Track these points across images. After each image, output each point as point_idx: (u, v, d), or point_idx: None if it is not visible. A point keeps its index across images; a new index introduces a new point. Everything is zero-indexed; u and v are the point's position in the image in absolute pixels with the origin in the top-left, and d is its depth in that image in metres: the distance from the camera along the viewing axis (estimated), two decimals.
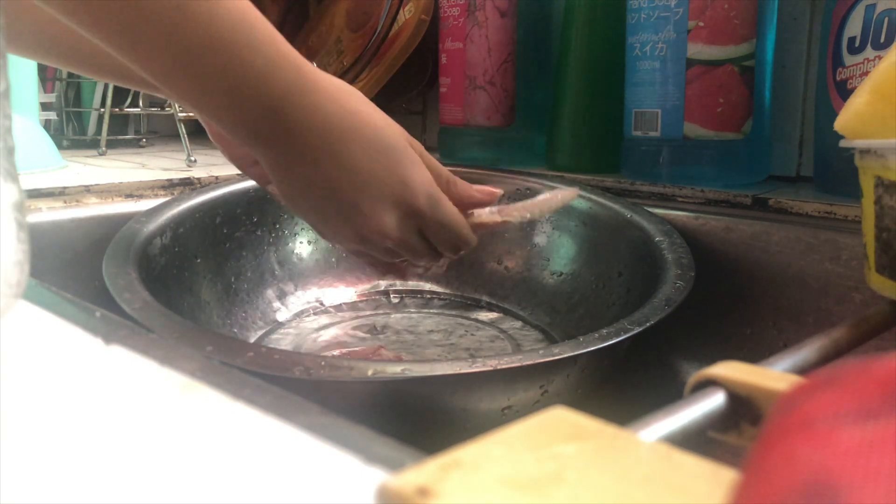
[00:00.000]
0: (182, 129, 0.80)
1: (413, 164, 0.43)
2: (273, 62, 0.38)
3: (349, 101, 0.41)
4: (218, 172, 0.69)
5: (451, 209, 0.45)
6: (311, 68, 0.40)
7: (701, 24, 0.61)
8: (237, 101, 0.38)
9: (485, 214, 0.48)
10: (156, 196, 0.63)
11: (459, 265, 0.68)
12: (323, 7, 1.02)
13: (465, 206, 0.47)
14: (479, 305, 0.66)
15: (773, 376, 0.22)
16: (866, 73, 0.49)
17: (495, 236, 0.67)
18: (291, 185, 0.42)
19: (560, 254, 0.64)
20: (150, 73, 0.37)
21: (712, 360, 0.23)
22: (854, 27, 0.55)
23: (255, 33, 0.37)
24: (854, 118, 0.34)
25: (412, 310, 0.65)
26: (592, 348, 0.38)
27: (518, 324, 0.62)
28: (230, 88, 0.37)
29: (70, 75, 1.02)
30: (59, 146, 0.84)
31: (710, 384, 0.23)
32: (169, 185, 0.65)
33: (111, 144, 0.94)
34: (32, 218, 0.55)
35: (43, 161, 0.73)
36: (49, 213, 0.56)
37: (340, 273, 0.67)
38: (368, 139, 0.41)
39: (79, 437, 0.18)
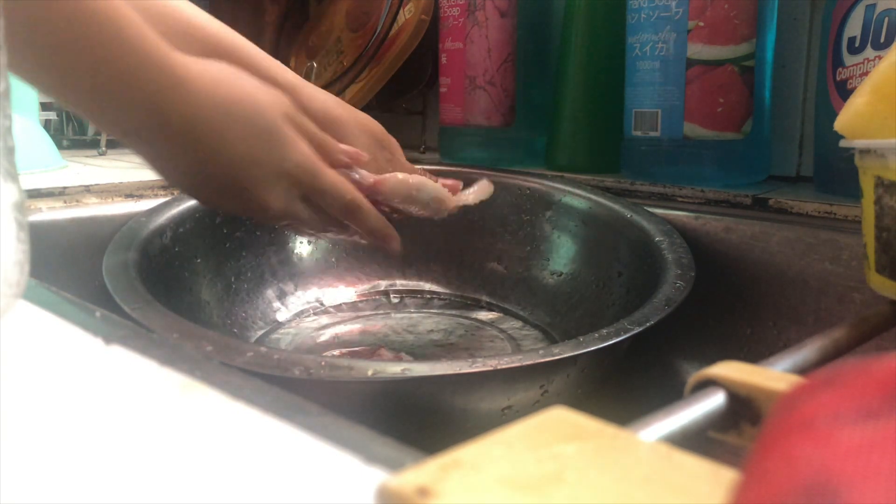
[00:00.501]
0: None
1: (287, 142, 0.44)
2: (142, 58, 0.37)
3: (221, 88, 0.41)
4: None
5: (329, 176, 0.45)
6: (181, 60, 0.40)
7: (701, 24, 0.61)
8: (107, 98, 0.38)
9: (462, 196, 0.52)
10: (156, 196, 0.63)
11: (460, 265, 0.68)
12: (323, 7, 1.02)
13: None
14: (479, 305, 0.66)
15: (773, 376, 0.22)
16: (866, 73, 0.49)
17: (495, 236, 0.67)
18: (175, 174, 0.43)
19: (560, 254, 0.64)
20: (17, 70, 0.36)
21: (712, 360, 0.23)
22: (854, 27, 0.55)
23: (123, 30, 0.37)
24: (854, 118, 0.34)
25: (412, 310, 0.65)
26: (592, 348, 0.38)
27: (518, 324, 0.62)
28: (99, 86, 0.37)
29: None
30: (59, 146, 0.84)
31: (710, 384, 0.23)
32: (169, 185, 0.65)
33: (111, 144, 0.94)
34: (32, 218, 0.55)
35: (43, 161, 0.73)
36: (49, 213, 0.56)
37: (340, 273, 0.67)
38: (243, 124, 0.42)
39: (79, 437, 0.18)
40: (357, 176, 0.47)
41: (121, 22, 0.37)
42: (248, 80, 0.43)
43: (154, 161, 0.42)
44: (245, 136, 0.42)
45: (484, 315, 0.64)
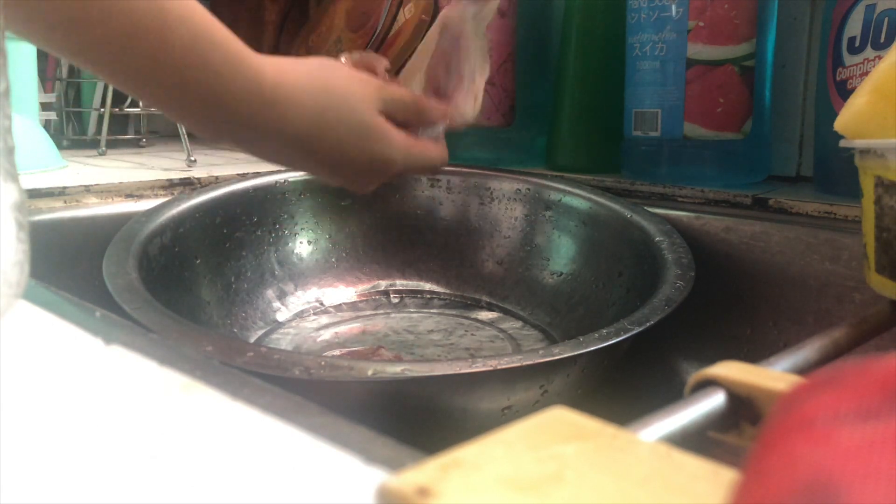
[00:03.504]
0: (182, 129, 0.80)
1: (380, 135, 0.45)
2: (230, 79, 0.39)
3: (313, 98, 0.42)
4: (218, 172, 0.69)
5: (419, 155, 0.47)
6: (272, 76, 0.40)
7: (701, 24, 0.61)
8: (202, 115, 0.40)
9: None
10: (156, 196, 0.63)
11: (460, 265, 0.68)
12: (323, 7, 1.02)
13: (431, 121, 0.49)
14: (479, 305, 0.66)
15: (773, 376, 0.22)
16: (866, 73, 0.49)
17: (495, 237, 0.67)
18: (272, 161, 0.46)
19: (560, 254, 0.64)
20: (115, 82, 0.39)
21: (712, 360, 0.23)
22: (854, 27, 0.55)
23: (209, 52, 0.38)
24: (854, 118, 0.34)
25: (412, 310, 0.65)
26: (592, 348, 0.38)
27: (518, 324, 0.62)
28: (191, 104, 0.39)
29: (70, 75, 1.02)
30: (59, 146, 0.84)
31: (710, 384, 0.23)
32: (169, 185, 0.65)
33: (111, 144, 0.94)
34: (32, 218, 0.55)
35: (43, 161, 0.73)
36: (49, 213, 0.56)
37: (340, 273, 0.67)
38: (336, 128, 0.43)
39: (79, 437, 0.18)
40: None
41: (207, 44, 0.38)
42: (337, 77, 0.44)
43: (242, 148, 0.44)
44: (339, 139, 0.43)
45: (484, 315, 0.64)
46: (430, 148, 0.48)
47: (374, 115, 0.44)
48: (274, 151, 0.44)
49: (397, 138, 0.45)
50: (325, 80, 0.43)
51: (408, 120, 0.47)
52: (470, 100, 0.50)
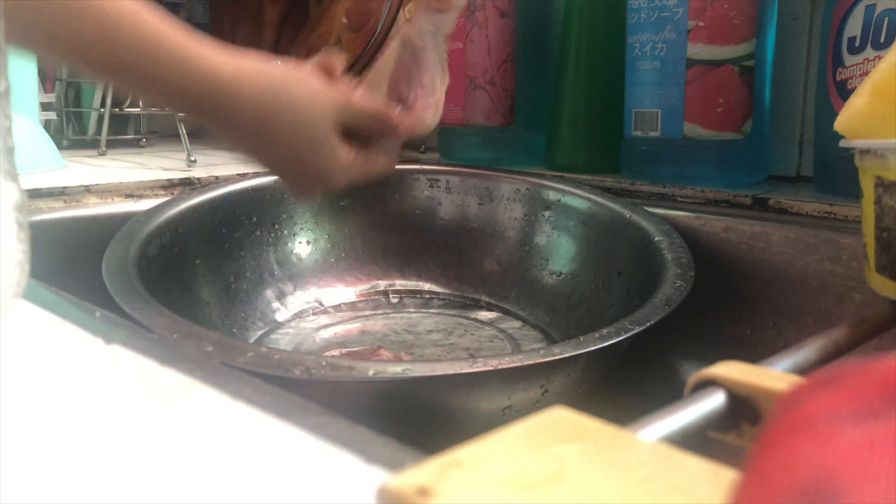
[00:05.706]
0: (182, 129, 0.80)
1: (328, 154, 0.47)
2: (181, 82, 0.42)
3: (266, 99, 0.44)
4: (218, 172, 0.69)
5: (365, 172, 0.50)
6: (227, 80, 0.43)
7: (701, 24, 0.61)
8: (161, 101, 0.46)
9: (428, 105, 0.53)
10: (156, 196, 0.63)
11: (459, 265, 0.68)
12: (323, 7, 1.02)
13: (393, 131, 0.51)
14: (478, 305, 0.66)
15: (773, 376, 0.22)
16: (866, 73, 0.49)
17: (494, 237, 0.67)
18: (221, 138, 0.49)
19: (560, 254, 0.64)
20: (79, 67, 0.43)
21: (712, 360, 0.23)
22: (854, 27, 0.55)
23: (162, 50, 0.41)
24: (854, 118, 0.34)
25: (412, 310, 0.65)
26: (592, 348, 0.38)
27: (518, 324, 0.62)
28: (153, 94, 0.43)
29: (70, 75, 1.02)
30: (59, 146, 0.84)
31: (710, 384, 0.23)
32: (169, 185, 0.65)
33: (111, 144, 0.94)
34: (32, 218, 0.55)
35: (43, 161, 0.73)
36: (49, 213, 0.56)
37: (340, 273, 0.67)
38: (287, 140, 0.45)
39: (79, 437, 0.18)
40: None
41: (160, 42, 0.40)
42: (301, 91, 0.45)
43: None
44: (288, 146, 0.46)
45: (483, 315, 0.64)
46: (376, 161, 0.50)
47: (327, 133, 0.46)
48: (232, 142, 0.47)
49: (343, 157, 0.47)
50: (286, 91, 0.45)
51: (371, 132, 0.49)
52: (430, 109, 0.53)
